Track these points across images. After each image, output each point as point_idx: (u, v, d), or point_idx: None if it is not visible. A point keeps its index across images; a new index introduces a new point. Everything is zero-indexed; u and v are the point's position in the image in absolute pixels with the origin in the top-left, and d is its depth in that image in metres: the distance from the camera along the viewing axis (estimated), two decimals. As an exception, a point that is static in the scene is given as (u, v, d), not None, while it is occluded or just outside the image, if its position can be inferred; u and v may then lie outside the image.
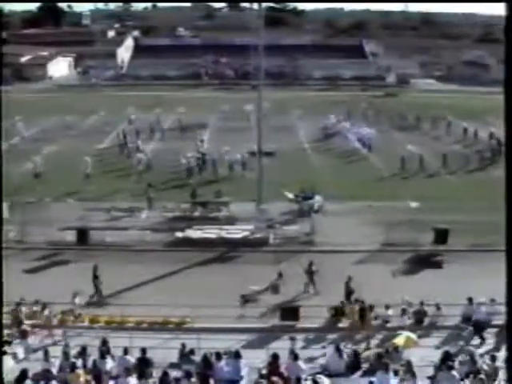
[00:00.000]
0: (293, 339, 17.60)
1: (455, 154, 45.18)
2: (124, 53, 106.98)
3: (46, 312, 19.90)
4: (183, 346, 16.69)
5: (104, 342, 16.63)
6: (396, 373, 14.70)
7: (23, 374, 13.94)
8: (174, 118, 58.03)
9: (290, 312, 20.40)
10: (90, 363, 15.69)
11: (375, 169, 41.60)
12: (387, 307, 20.29)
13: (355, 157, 45.95)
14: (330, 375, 15.23)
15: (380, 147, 47.03)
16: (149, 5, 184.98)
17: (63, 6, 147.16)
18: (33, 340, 18.00)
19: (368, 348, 18.15)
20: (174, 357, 16.65)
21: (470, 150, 46.89)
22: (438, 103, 66.67)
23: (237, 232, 29.04)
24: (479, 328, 19.07)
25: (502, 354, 15.78)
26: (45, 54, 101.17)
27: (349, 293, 21.55)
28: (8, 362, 15.52)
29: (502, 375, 14.57)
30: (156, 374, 14.88)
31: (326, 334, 19.54)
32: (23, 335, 17.66)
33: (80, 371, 14.89)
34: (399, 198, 33.47)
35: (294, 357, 15.55)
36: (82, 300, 21.41)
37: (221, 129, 55.39)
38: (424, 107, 62.15)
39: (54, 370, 15.26)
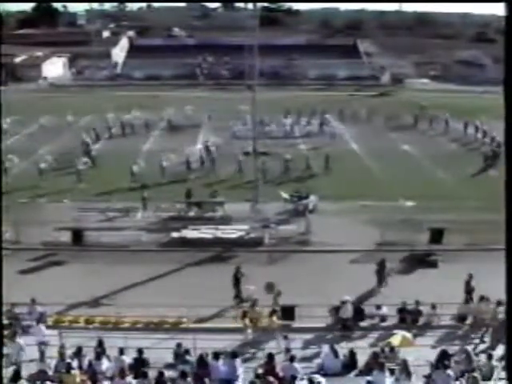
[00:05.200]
0: (286, 338, 17.61)
1: (451, 153, 45.58)
2: (119, 53, 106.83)
3: (257, 309, 19.75)
4: (178, 346, 16.68)
5: (100, 343, 16.60)
6: (392, 372, 14.72)
7: (16, 375, 13.90)
8: (169, 117, 58.10)
9: (286, 311, 20.36)
10: (85, 364, 15.67)
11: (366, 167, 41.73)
12: (378, 307, 20.38)
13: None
14: (325, 375, 15.25)
15: (374, 147, 47.18)
16: (144, 5, 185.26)
17: (58, 6, 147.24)
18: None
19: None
20: (169, 357, 16.66)
21: (467, 150, 47.37)
22: (433, 103, 66.77)
23: (232, 232, 29.04)
24: (347, 327, 19.28)
25: (497, 353, 15.86)
26: (39, 54, 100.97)
27: (469, 291, 21.24)
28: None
29: (497, 374, 14.63)
30: (152, 374, 14.85)
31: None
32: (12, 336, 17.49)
33: (75, 372, 14.86)
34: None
35: (290, 357, 15.56)
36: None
37: (215, 128, 55.45)
38: (418, 107, 62.24)
39: (50, 371, 15.23)
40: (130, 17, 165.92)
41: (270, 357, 15.37)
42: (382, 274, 23.49)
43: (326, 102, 67.30)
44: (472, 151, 47.89)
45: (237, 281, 22.70)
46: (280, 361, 15.77)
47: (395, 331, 18.10)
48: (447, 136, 53.32)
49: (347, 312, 19.67)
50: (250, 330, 18.87)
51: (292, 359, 15.48)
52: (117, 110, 60.32)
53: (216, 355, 15.52)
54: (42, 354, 15.81)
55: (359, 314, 20.20)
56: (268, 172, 38.52)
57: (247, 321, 19.18)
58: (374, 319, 20.32)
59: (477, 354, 16.26)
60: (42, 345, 16.99)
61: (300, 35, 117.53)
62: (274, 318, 19.49)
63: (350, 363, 16.35)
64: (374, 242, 27.72)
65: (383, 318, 20.22)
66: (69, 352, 16.20)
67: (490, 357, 15.37)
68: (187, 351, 16.29)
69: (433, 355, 15.85)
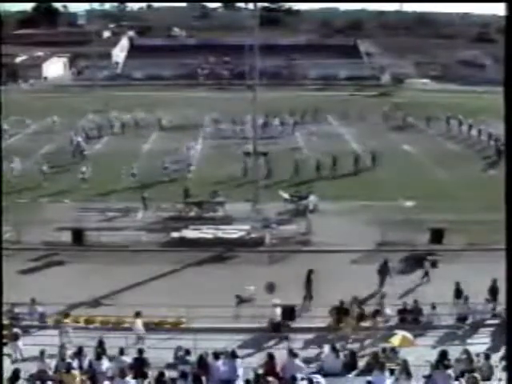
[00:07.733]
0: (287, 338, 17.59)
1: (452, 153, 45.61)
2: (119, 53, 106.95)
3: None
4: (178, 348, 16.66)
5: (100, 343, 16.58)
6: (392, 372, 14.70)
7: (15, 375, 13.88)
8: (169, 117, 58.14)
9: (286, 311, 20.35)
10: (85, 364, 15.66)
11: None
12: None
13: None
14: (326, 375, 15.22)
15: (374, 146, 47.09)
16: (144, 5, 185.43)
17: (58, 6, 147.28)
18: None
19: None
20: (170, 357, 16.64)
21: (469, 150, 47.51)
22: (433, 103, 66.80)
23: (233, 232, 29.01)
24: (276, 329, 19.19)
25: (498, 354, 15.83)
26: (40, 54, 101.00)
27: None
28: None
29: (497, 374, 14.63)
30: (152, 374, 14.84)
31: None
32: (14, 338, 17.47)
33: (76, 372, 14.84)
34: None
35: (290, 356, 15.53)
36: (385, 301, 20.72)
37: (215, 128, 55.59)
38: (419, 107, 62.25)
39: (50, 371, 15.21)
40: (131, 17, 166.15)
41: (271, 356, 15.35)
42: (384, 274, 23.44)
43: (327, 101, 67.40)
44: (470, 150, 48.06)
45: (309, 282, 22.35)
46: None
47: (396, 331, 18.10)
48: (446, 135, 53.41)
49: (276, 315, 19.57)
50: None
51: (294, 356, 15.46)
52: (117, 110, 60.37)
53: (216, 355, 15.50)
54: (42, 353, 15.76)
55: (362, 314, 20.22)
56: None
57: (350, 320, 19.04)
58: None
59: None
60: None
61: (300, 35, 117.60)
62: (379, 319, 19.38)
63: (350, 363, 16.33)
64: (375, 241, 27.71)
65: (386, 319, 20.18)
66: (69, 352, 16.22)
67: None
68: (187, 351, 16.27)
69: (433, 355, 15.83)
